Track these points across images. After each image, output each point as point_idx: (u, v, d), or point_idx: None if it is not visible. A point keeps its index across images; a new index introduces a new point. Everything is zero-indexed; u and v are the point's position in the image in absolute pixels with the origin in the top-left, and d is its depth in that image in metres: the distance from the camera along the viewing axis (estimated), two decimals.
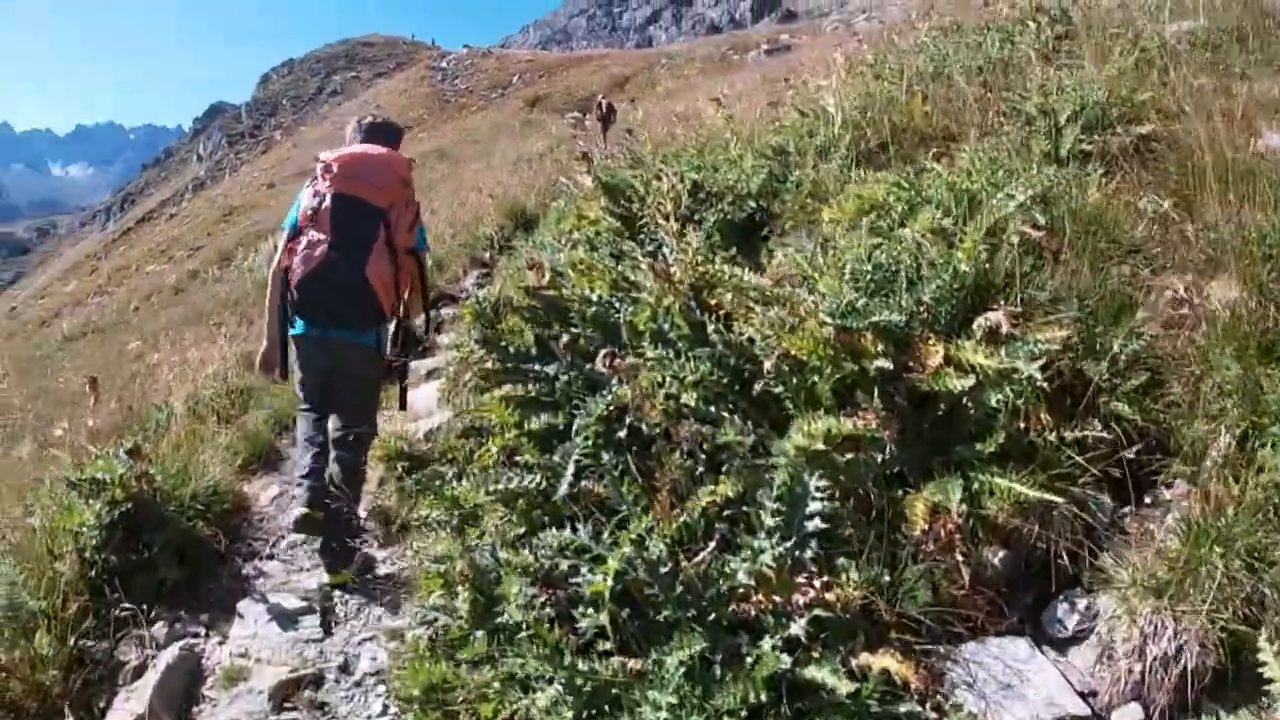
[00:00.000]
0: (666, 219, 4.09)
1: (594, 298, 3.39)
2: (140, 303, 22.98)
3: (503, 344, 3.44)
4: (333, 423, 4.14)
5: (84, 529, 3.96)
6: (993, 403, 2.59)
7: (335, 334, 4.08)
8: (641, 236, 4.73)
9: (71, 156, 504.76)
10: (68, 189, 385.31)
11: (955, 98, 5.00)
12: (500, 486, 2.74)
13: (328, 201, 3.99)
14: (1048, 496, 2.42)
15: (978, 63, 5.46)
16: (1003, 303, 2.85)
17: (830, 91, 5.42)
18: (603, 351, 2.71)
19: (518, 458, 2.99)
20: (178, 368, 8.54)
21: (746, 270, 3.22)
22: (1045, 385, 2.54)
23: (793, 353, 2.63)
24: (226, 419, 6.47)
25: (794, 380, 2.70)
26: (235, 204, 36.92)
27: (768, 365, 2.67)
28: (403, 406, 4.72)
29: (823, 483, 2.38)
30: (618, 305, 3.34)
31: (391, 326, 4.35)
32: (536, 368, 3.24)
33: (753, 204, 4.74)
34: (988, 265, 3.03)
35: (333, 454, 4.06)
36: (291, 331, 4.17)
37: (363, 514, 4.43)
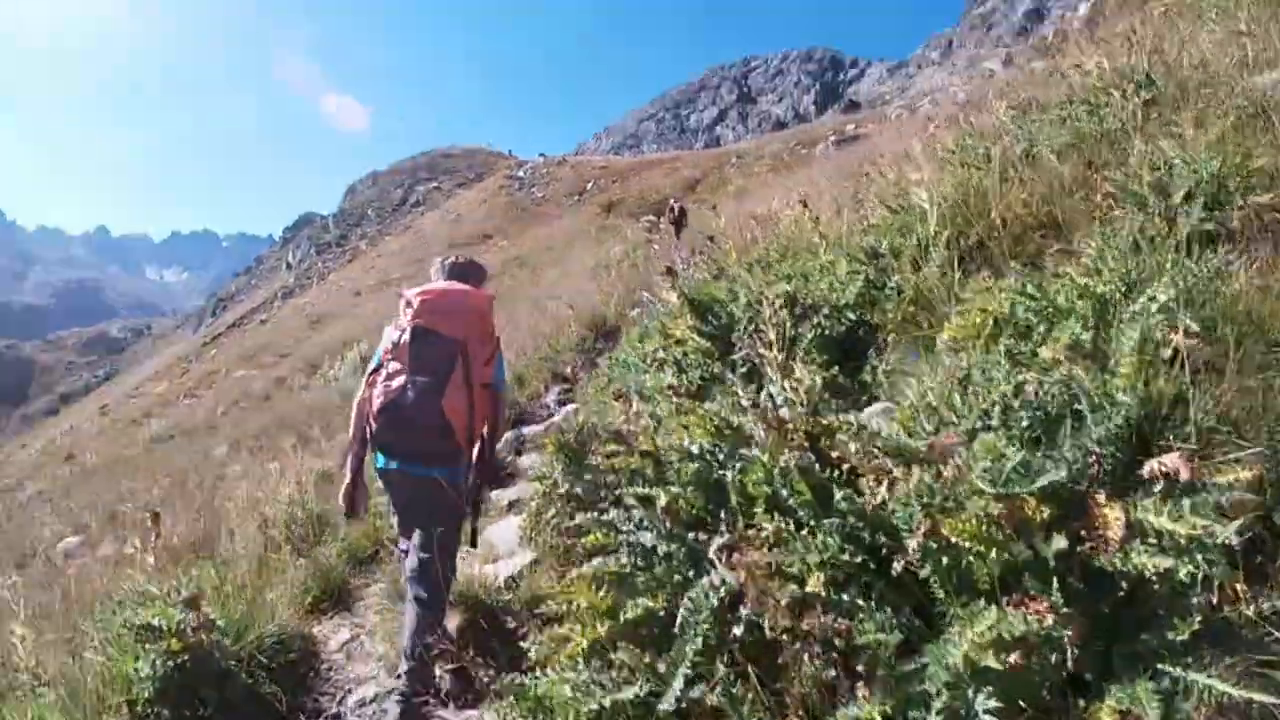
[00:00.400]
0: (769, 348, 3.71)
1: (693, 449, 2.98)
2: (228, 407, 23.28)
3: (592, 507, 3.08)
4: (409, 561, 4.14)
5: (137, 678, 3.73)
6: (1182, 576, 2.07)
7: (411, 468, 4.08)
8: (734, 357, 4.42)
9: (167, 261, 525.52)
10: (163, 293, 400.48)
11: (1053, 180, 4.59)
12: (594, 705, 2.31)
13: (407, 335, 4.05)
14: (1258, 697, 1.91)
15: (1066, 139, 5.06)
16: (1172, 439, 2.41)
17: (919, 184, 5.07)
18: (715, 544, 2.33)
19: (612, 655, 2.56)
20: (256, 482, 8.46)
21: (874, 418, 2.83)
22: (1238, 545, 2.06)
23: (944, 531, 2.19)
24: (299, 549, 6.30)
25: (945, 562, 2.24)
26: (322, 312, 37.63)
27: (913, 545, 2.23)
28: (473, 544, 4.56)
29: (993, 703, 1.92)
30: (721, 457, 2.92)
31: (472, 458, 4.34)
32: (630, 536, 2.83)
33: (851, 316, 4.39)
34: (1148, 391, 2.56)
35: (409, 595, 4.05)
36: (374, 466, 4.23)
37: (436, 671, 4.11)
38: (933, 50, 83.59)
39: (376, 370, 4.14)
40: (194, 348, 59.23)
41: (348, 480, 4.29)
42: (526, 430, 8.02)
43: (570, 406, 8.26)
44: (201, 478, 14.05)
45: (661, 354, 5.27)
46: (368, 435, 4.16)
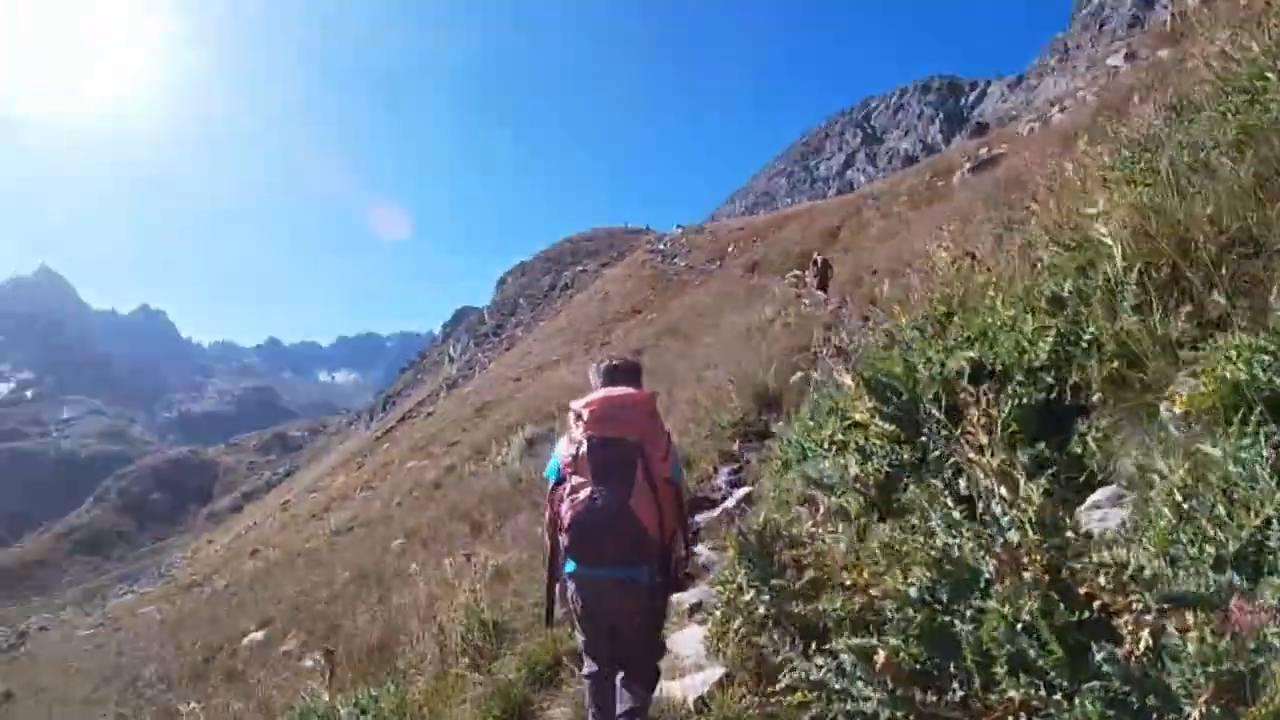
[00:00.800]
0: (980, 452, 3.14)
1: (912, 592, 2.58)
2: (403, 497, 23.76)
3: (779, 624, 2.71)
4: (620, 682, 4.13)
5: None
6: None
7: (607, 571, 4.08)
8: (926, 446, 4.02)
9: (336, 364, 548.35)
10: (334, 393, 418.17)
11: (1233, 187, 4.06)
12: None
13: (584, 447, 4.09)
14: None
15: (1232, 135, 4.50)
16: None
17: (1096, 216, 4.46)
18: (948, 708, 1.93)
19: None
20: (432, 582, 8.45)
21: (1105, 509, 2.40)
22: None
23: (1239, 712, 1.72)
24: (476, 660, 6.13)
25: None
26: (486, 400, 38.35)
27: (1195, 717, 1.78)
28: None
29: None
30: (945, 599, 2.51)
31: (669, 557, 4.28)
32: (847, 703, 2.42)
33: (1047, 378, 3.95)
34: None
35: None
36: (565, 570, 4.24)
37: None
38: (1050, 57, 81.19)
39: (559, 484, 4.17)
40: (367, 443, 61.38)
41: (546, 597, 4.42)
42: (699, 517, 7.72)
43: (743, 490, 7.95)
44: (379, 573, 14.24)
45: (840, 437, 4.91)
46: (560, 549, 4.22)
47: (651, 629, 4.27)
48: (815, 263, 18.86)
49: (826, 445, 5.13)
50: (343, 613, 12.60)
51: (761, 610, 3.43)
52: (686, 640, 5.19)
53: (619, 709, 4.02)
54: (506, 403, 33.43)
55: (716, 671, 4.53)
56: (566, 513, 4.03)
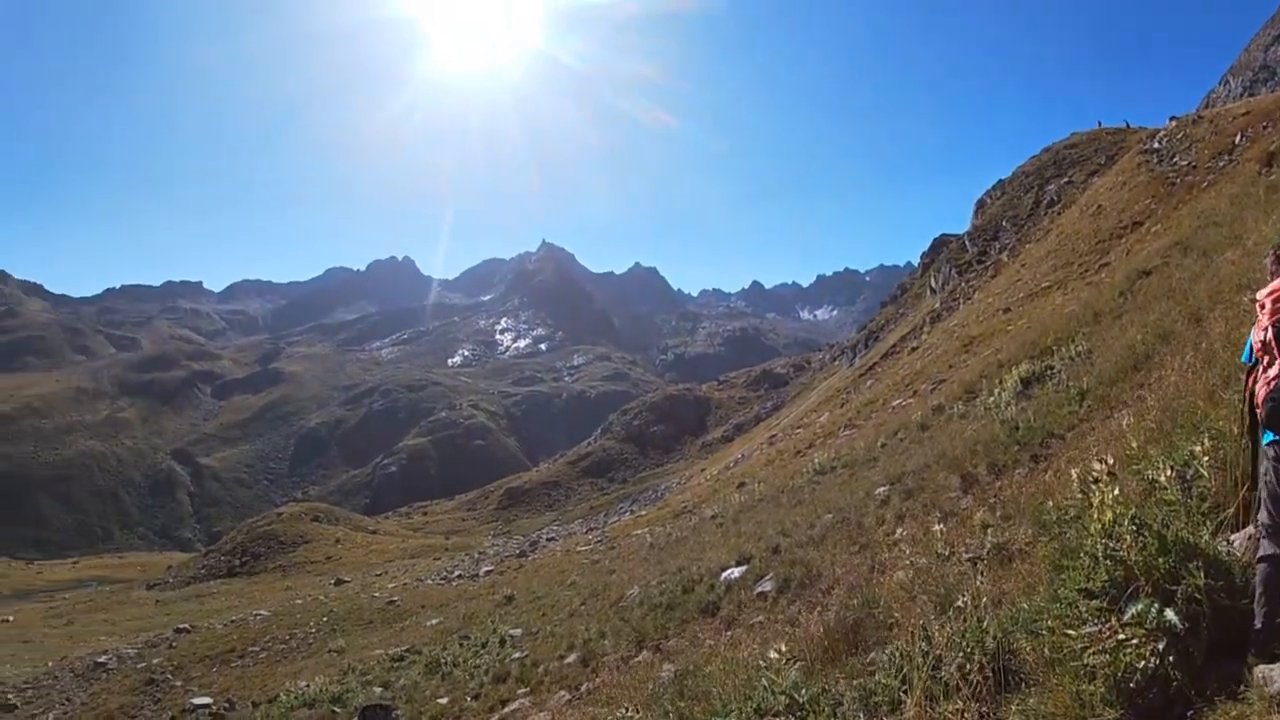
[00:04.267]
0: None
1: None
2: (887, 439, 22.54)
3: None
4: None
5: None
6: None
7: None
8: None
9: (817, 302, 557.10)
10: (817, 330, 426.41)
11: None
12: None
13: (1270, 333, 4.30)
14: None
15: None
16: None
17: None
18: None
19: None
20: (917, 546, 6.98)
21: None
22: None
23: None
24: (978, 692, 4.36)
25: None
26: (973, 333, 35.89)
27: None
28: None
29: None
30: None
31: None
32: None
33: None
34: None
35: None
36: (1263, 441, 4.29)
37: None
38: None
39: (1253, 367, 4.46)
40: (851, 379, 60.81)
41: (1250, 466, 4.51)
42: None
43: None
44: (864, 514, 13.14)
45: None
46: (1258, 420, 4.34)
47: None
48: None
49: None
50: (821, 562, 11.65)
51: None
52: None
53: None
54: (996, 336, 30.95)
55: None
56: (1261, 389, 4.30)
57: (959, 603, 5.14)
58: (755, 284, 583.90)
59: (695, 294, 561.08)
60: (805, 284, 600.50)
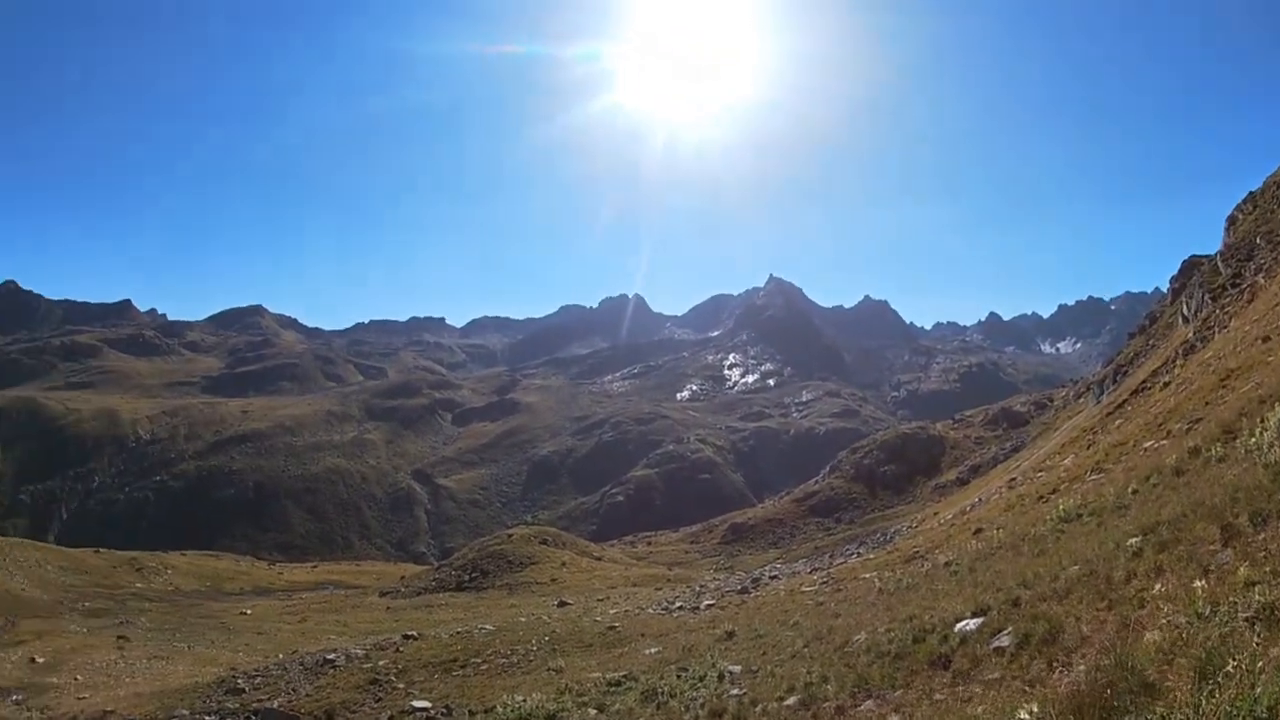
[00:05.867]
0: None
1: None
2: (1138, 484, 20.87)
3: None
4: None
5: None
6: None
7: None
8: None
9: (1058, 334, 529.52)
10: (1059, 364, 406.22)
11: None
12: None
13: None
14: None
15: None
16: None
17: None
18: None
19: None
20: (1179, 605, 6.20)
21: None
22: None
23: None
24: None
25: None
26: (1230, 365, 32.96)
27: None
28: None
29: None
30: None
31: None
32: None
33: None
34: None
35: None
36: None
37: None
38: None
39: None
40: (1097, 418, 57.20)
41: None
42: None
43: None
44: (1113, 568, 12.10)
45: None
46: None
47: None
48: None
49: None
50: (1064, 617, 10.75)
51: None
52: None
53: None
54: (1255, 368, 28.29)
55: None
56: None
57: (1228, 667, 4.49)
58: (992, 315, 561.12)
59: (928, 327, 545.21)
60: (1046, 314, 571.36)
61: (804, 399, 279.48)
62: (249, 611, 54.89)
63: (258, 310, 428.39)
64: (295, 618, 51.88)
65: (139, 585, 68.14)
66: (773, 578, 46.18)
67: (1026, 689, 7.94)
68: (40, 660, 32.92)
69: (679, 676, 21.04)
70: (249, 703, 23.54)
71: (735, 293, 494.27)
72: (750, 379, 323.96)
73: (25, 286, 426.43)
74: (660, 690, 19.69)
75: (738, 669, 19.90)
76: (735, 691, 17.43)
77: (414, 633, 32.30)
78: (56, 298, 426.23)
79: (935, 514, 68.12)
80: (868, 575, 34.08)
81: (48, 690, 27.76)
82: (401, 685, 24.35)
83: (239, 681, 25.61)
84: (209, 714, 22.87)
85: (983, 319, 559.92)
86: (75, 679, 29.61)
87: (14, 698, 26.74)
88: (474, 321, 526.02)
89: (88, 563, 72.89)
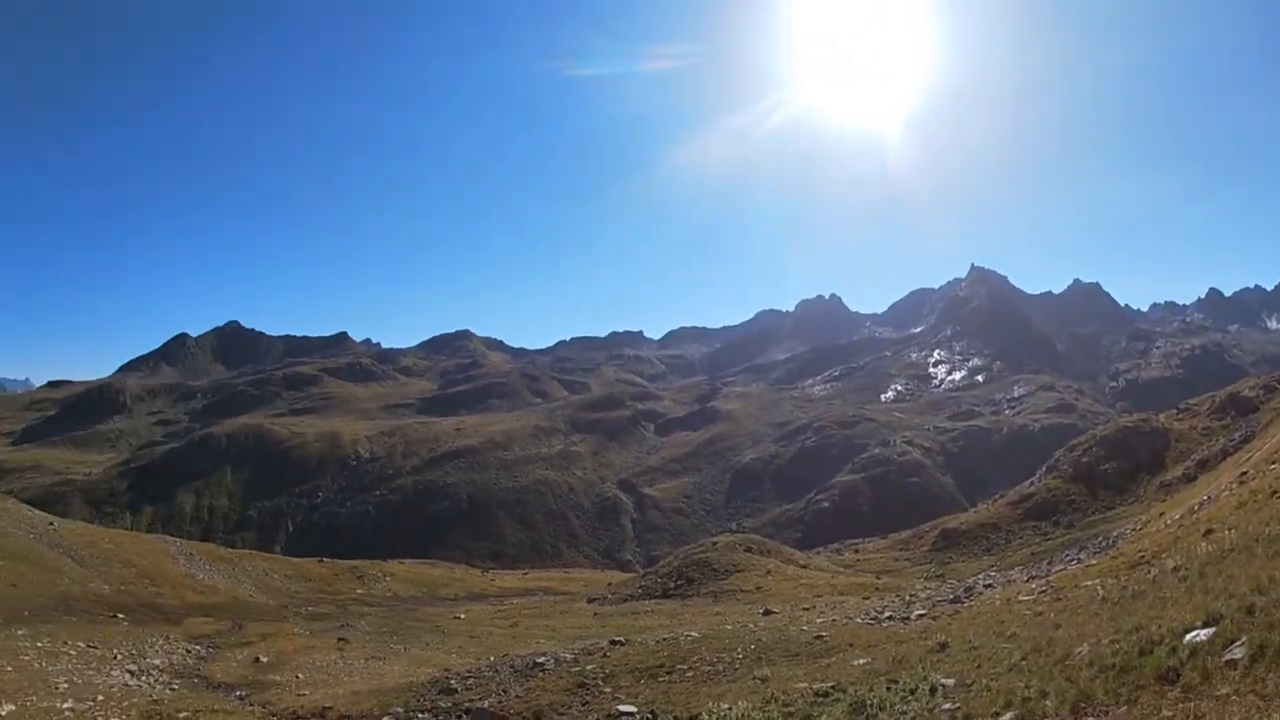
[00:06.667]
0: None
1: None
2: None
3: None
4: None
5: None
6: None
7: None
8: None
9: None
10: None
11: None
12: None
13: None
14: None
15: None
16: None
17: None
18: None
19: None
20: None
21: None
22: None
23: None
24: None
25: None
26: None
27: None
28: None
29: None
30: None
31: None
32: None
33: None
34: None
35: None
36: None
37: None
38: None
39: None
40: None
41: None
42: None
43: None
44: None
45: None
46: None
47: None
48: None
49: None
50: None
51: None
52: None
53: None
54: None
55: None
56: None
57: None
58: (1212, 291, 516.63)
59: (1145, 309, 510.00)
60: (1270, 286, 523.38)
61: (1015, 394, 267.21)
62: (462, 616, 57.12)
63: (465, 335, 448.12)
64: (506, 622, 53.58)
65: (359, 591, 72.25)
66: (986, 586, 44.54)
67: (1261, 704, 7.37)
68: (264, 660, 35.17)
69: (889, 689, 20.48)
70: (461, 702, 24.32)
71: (935, 286, 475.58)
72: (957, 376, 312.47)
73: (247, 325, 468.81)
74: (869, 702, 19.20)
75: (950, 682, 19.20)
76: (947, 706, 16.82)
77: (620, 638, 32.69)
78: (277, 334, 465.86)
79: (1161, 514, 64.06)
80: (1089, 583, 32.39)
81: (270, 687, 29.60)
82: (608, 689, 24.65)
83: (452, 682, 26.55)
84: (423, 712, 23.77)
85: (1202, 295, 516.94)
86: (296, 677, 31.48)
87: (238, 693, 28.67)
88: (671, 333, 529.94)
89: (312, 571, 78.03)
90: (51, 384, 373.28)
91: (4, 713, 22.23)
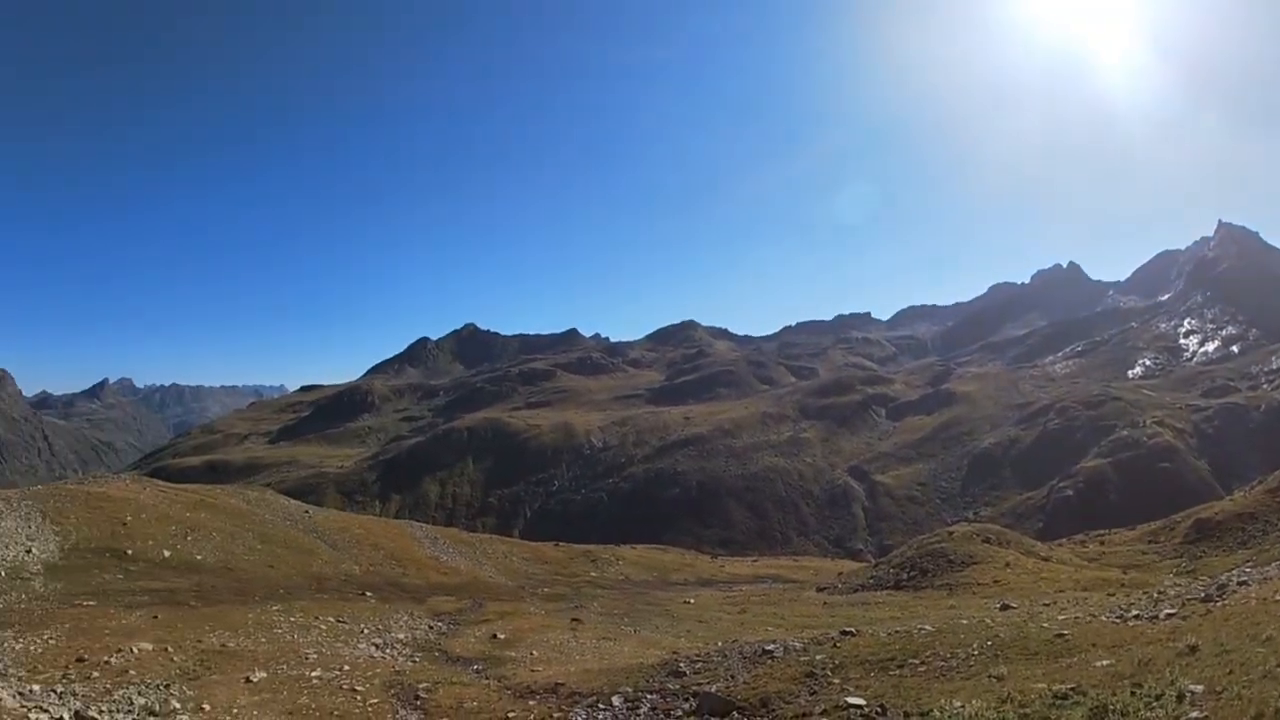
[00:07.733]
0: None
1: None
2: None
3: None
4: None
5: None
6: None
7: None
8: None
9: None
10: None
11: None
12: None
13: None
14: None
15: None
16: None
17: None
18: None
19: None
20: None
21: None
22: None
23: None
24: None
25: None
26: None
27: None
28: None
29: None
30: None
31: None
32: None
33: None
34: None
35: None
36: None
37: None
38: None
39: None
40: None
41: None
42: None
43: None
44: None
45: None
46: None
47: None
48: None
49: None
50: None
51: None
52: None
53: None
54: None
55: None
56: None
57: None
58: None
59: None
60: None
61: (1275, 365, 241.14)
62: (691, 601, 58.02)
63: (691, 325, 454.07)
64: (735, 608, 54.04)
65: (593, 574, 74.65)
66: (1241, 583, 41.58)
67: None
68: (501, 637, 36.89)
69: (1132, 694, 19.61)
70: (689, 685, 24.81)
71: (1182, 247, 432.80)
72: (1210, 347, 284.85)
73: (483, 327, 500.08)
74: (1111, 707, 18.46)
75: (1199, 689, 18.23)
76: (1195, 715, 16.02)
77: (850, 629, 32.42)
78: (511, 333, 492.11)
79: None
80: None
81: (505, 663, 31.09)
82: (836, 680, 24.57)
83: (680, 665, 27.13)
84: (651, 693, 24.39)
85: None
86: (531, 654, 32.95)
87: (475, 667, 30.25)
88: (900, 313, 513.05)
89: (548, 555, 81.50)
90: (304, 388, 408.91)
91: (257, 679, 24.54)
